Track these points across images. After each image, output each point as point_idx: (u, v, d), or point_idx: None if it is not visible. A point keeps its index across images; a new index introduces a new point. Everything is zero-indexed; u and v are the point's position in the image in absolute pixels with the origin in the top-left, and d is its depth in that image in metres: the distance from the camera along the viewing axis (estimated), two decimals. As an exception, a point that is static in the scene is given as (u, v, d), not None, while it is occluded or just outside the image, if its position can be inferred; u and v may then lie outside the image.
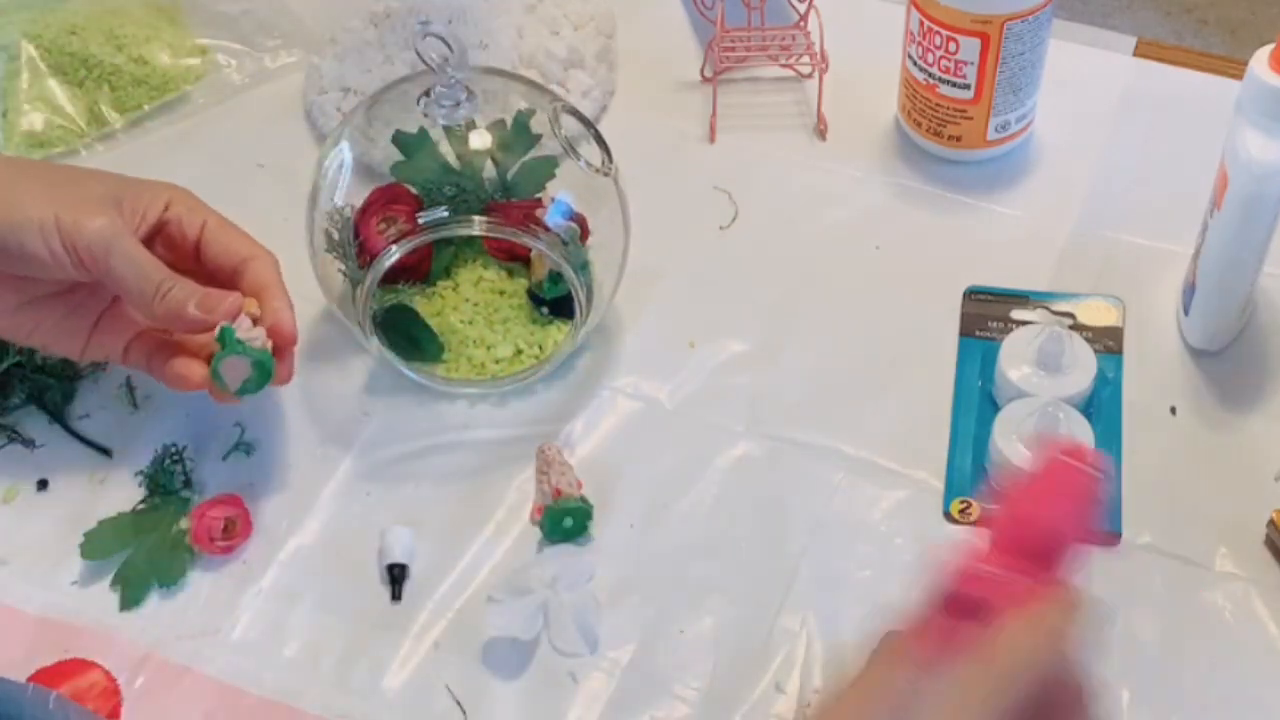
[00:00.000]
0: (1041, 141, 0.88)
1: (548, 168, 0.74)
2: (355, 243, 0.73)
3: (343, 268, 0.73)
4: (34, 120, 0.91)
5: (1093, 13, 2.10)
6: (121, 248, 0.67)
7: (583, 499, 0.72)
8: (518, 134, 0.74)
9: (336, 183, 0.74)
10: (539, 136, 0.74)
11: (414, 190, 0.74)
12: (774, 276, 0.83)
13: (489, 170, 0.74)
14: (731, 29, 0.90)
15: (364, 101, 0.77)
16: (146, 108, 0.93)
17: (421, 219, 0.71)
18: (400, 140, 0.74)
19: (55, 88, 0.92)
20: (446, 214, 0.71)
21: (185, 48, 0.95)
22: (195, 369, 0.70)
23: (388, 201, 0.74)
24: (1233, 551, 0.70)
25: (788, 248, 0.84)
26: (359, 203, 0.74)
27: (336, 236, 0.73)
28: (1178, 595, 0.69)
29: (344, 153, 0.75)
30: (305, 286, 0.76)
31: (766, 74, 0.93)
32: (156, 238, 0.71)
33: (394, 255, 0.71)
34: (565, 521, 0.71)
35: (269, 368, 0.69)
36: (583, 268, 0.73)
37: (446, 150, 0.74)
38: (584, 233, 0.75)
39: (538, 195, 0.74)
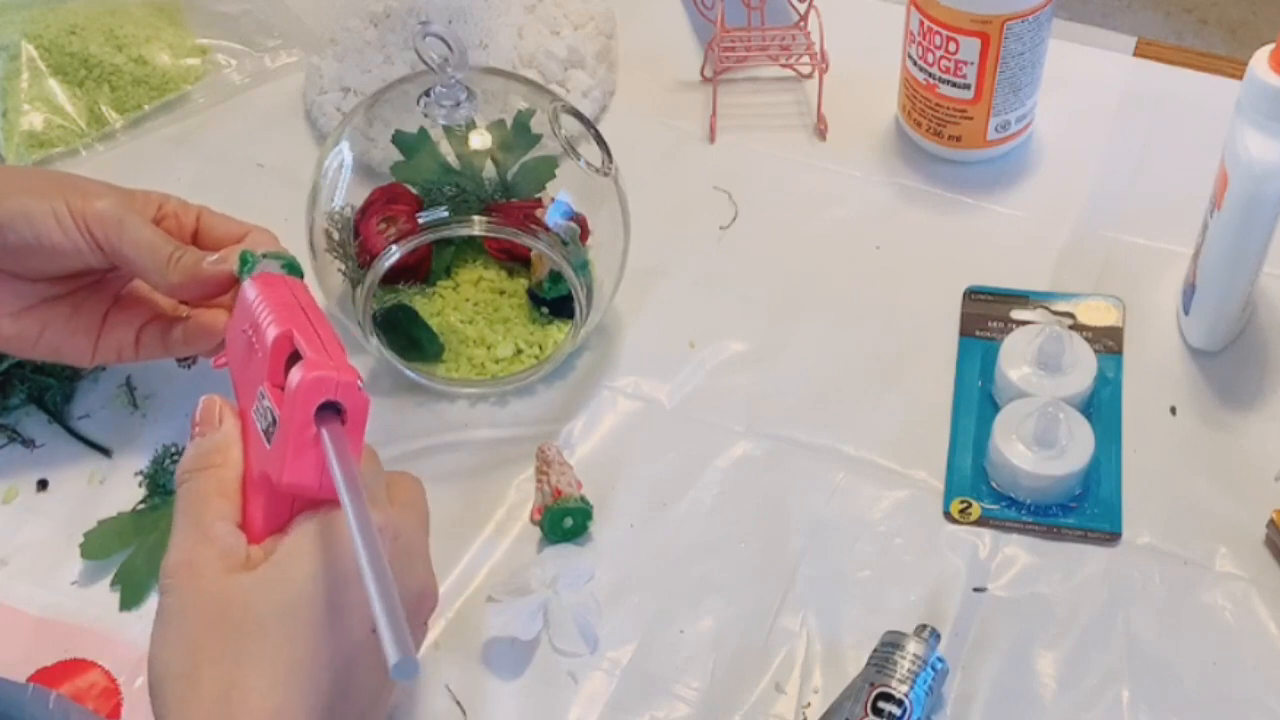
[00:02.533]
0: (1041, 141, 0.88)
1: (548, 168, 0.74)
2: (355, 243, 0.73)
3: (343, 268, 0.73)
4: (34, 120, 0.91)
5: (1093, 13, 2.10)
6: (131, 222, 0.68)
7: (583, 499, 0.72)
8: (518, 134, 0.74)
9: (336, 183, 0.74)
10: (539, 136, 0.74)
11: (414, 190, 0.74)
12: (774, 276, 0.83)
13: (489, 170, 0.74)
14: (731, 29, 0.90)
15: (364, 101, 0.77)
16: (146, 108, 0.93)
17: (421, 219, 0.71)
18: (400, 140, 0.74)
19: (55, 88, 0.92)
20: (446, 214, 0.71)
21: (185, 48, 0.95)
22: (219, 314, 0.71)
23: (388, 201, 0.74)
24: (1233, 551, 0.70)
25: (788, 248, 0.84)
26: (359, 203, 0.74)
27: (336, 236, 0.73)
28: (1178, 595, 0.69)
29: (344, 153, 0.75)
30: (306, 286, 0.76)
31: (766, 74, 0.93)
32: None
33: (394, 255, 0.71)
34: (565, 521, 0.71)
35: (299, 267, 0.67)
36: (583, 268, 0.73)
37: (446, 150, 0.74)
38: (584, 233, 0.75)
39: (538, 195, 0.74)
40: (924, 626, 0.66)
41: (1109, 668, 0.67)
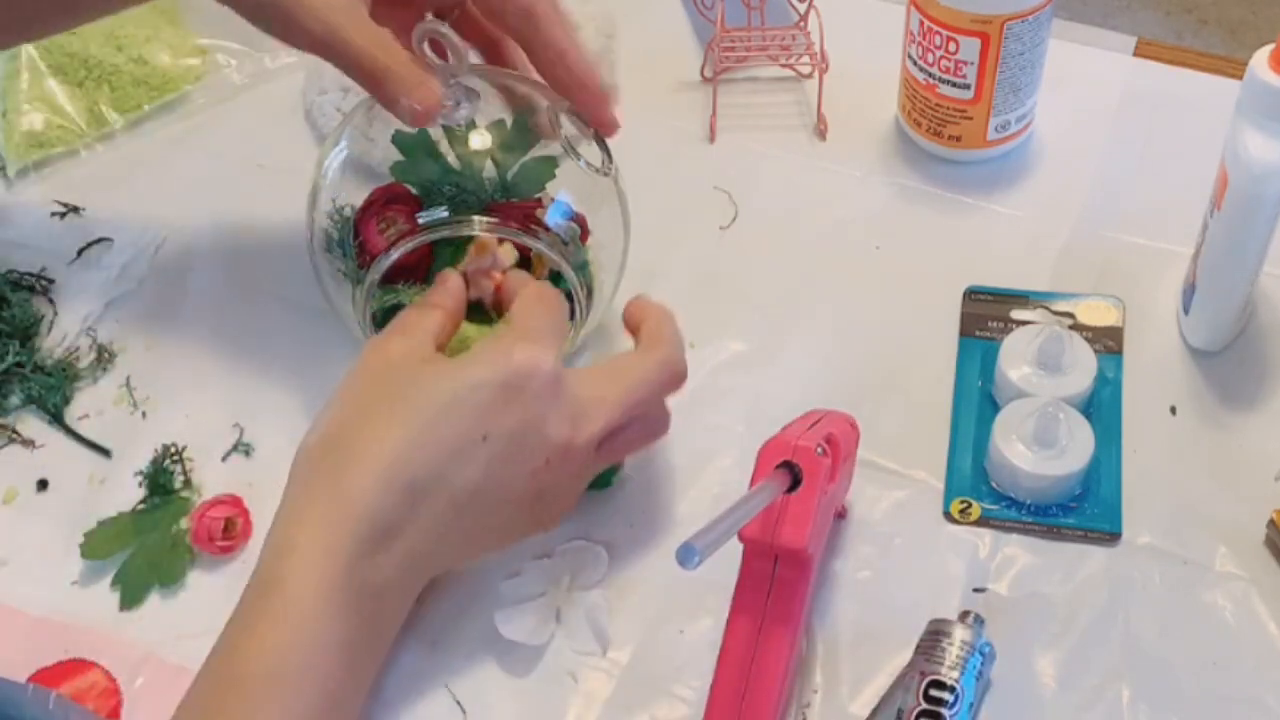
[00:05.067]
0: (1041, 141, 0.88)
1: (548, 168, 0.74)
2: (355, 243, 0.73)
3: (342, 267, 0.73)
4: (34, 120, 0.91)
5: (1093, 13, 2.10)
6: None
7: None
8: (518, 134, 0.74)
9: (337, 182, 0.74)
10: (539, 136, 0.74)
11: (414, 190, 0.74)
12: (774, 276, 0.83)
13: (489, 170, 0.74)
14: (731, 29, 0.90)
15: (364, 101, 0.77)
16: (146, 108, 0.93)
17: (421, 219, 0.71)
18: (400, 140, 0.74)
19: (55, 88, 0.92)
20: (446, 214, 0.71)
21: (185, 48, 0.95)
22: None
23: (388, 201, 0.74)
24: (1233, 551, 0.70)
25: (788, 248, 0.84)
26: (359, 202, 0.74)
27: (336, 236, 0.73)
28: (1178, 595, 0.69)
29: (344, 152, 0.75)
30: (305, 286, 0.76)
31: (766, 74, 0.93)
32: None
33: (393, 256, 0.71)
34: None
35: None
36: (582, 268, 0.73)
37: (446, 150, 0.74)
38: (584, 233, 0.75)
39: (538, 195, 0.74)
40: (968, 613, 0.66)
41: (1109, 667, 0.67)
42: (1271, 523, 0.70)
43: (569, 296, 0.74)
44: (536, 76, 0.74)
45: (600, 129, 0.73)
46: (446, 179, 0.73)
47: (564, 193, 0.73)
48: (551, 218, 0.72)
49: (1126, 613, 0.69)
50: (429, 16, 0.77)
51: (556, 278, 0.76)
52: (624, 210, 0.76)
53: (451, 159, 0.73)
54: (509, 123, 0.74)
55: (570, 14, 0.93)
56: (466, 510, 0.63)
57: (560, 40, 0.72)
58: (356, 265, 0.72)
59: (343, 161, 0.75)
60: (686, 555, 0.54)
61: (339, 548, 0.60)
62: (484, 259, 0.74)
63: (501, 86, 0.75)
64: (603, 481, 0.73)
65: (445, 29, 0.69)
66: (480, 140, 0.73)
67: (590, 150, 0.75)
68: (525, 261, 0.80)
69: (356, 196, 0.74)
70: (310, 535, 0.60)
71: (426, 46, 0.69)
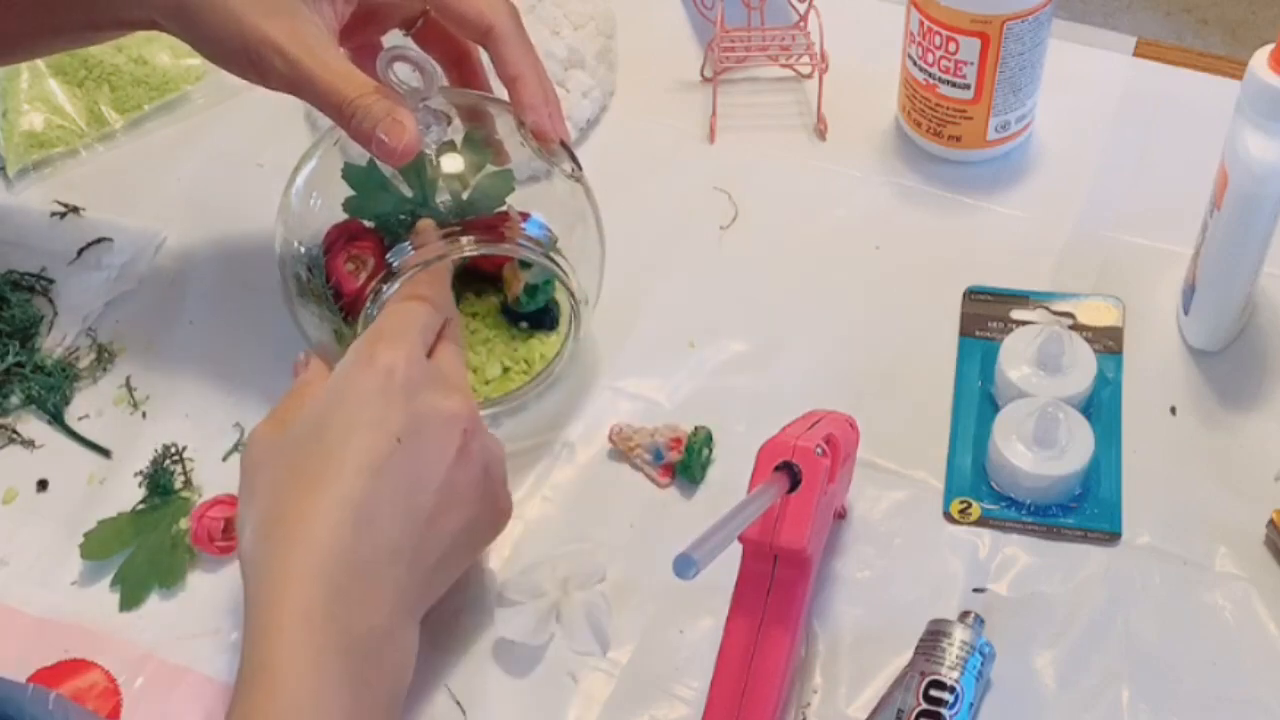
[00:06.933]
0: (1041, 141, 0.88)
1: (505, 182, 0.72)
2: (328, 286, 0.70)
3: (317, 310, 0.71)
4: (34, 120, 0.91)
5: (1093, 13, 2.10)
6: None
7: (696, 427, 0.74)
8: (469, 152, 0.71)
9: (304, 220, 0.72)
10: (490, 152, 0.72)
11: (371, 225, 0.71)
12: (774, 276, 0.83)
13: (443, 193, 0.71)
14: (731, 29, 0.91)
15: (326, 134, 0.74)
16: (146, 108, 0.93)
17: (390, 258, 0.69)
18: (350, 175, 0.71)
19: (55, 88, 0.92)
20: (409, 246, 0.69)
21: (185, 48, 0.95)
22: None
23: (349, 240, 0.71)
24: (1233, 551, 0.70)
25: (788, 248, 0.84)
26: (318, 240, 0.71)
27: (307, 279, 0.71)
28: (1178, 595, 0.69)
29: (307, 190, 0.73)
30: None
31: (766, 74, 0.93)
32: None
33: (386, 295, 0.68)
34: (703, 453, 0.74)
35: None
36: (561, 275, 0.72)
37: (402, 177, 0.70)
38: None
39: (500, 210, 0.72)
40: (968, 613, 0.66)
41: (1109, 668, 0.67)
42: (1271, 523, 0.70)
43: (545, 309, 0.74)
44: (503, 91, 0.73)
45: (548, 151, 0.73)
46: (401, 208, 0.70)
47: (534, 205, 0.72)
48: (531, 229, 0.71)
49: (1126, 613, 0.69)
50: (396, 34, 0.76)
51: (533, 290, 0.75)
52: (595, 214, 0.75)
53: (404, 188, 0.71)
54: (459, 142, 0.71)
55: (569, 14, 0.93)
56: (422, 519, 0.62)
57: (516, 63, 0.72)
58: (335, 307, 0.70)
59: (310, 197, 0.73)
60: (684, 566, 0.53)
61: (315, 607, 0.58)
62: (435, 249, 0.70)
63: (469, 108, 0.74)
64: (694, 475, 0.74)
65: (411, 51, 0.67)
66: (430, 165, 0.70)
67: (559, 156, 0.74)
68: (489, 279, 0.78)
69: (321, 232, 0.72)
70: (282, 604, 0.58)
71: (394, 70, 0.67)
